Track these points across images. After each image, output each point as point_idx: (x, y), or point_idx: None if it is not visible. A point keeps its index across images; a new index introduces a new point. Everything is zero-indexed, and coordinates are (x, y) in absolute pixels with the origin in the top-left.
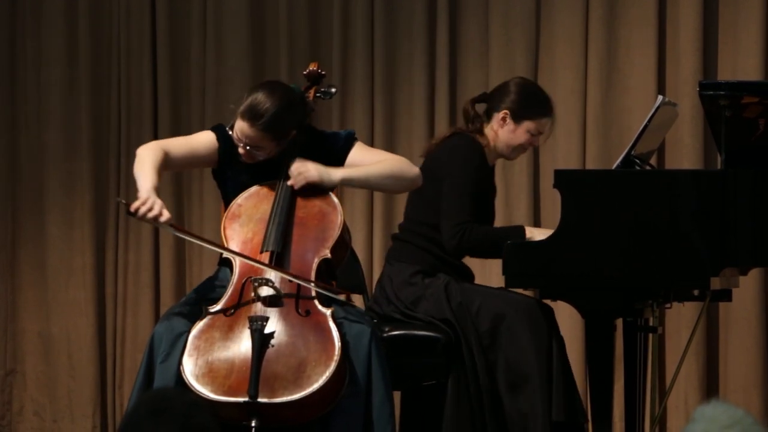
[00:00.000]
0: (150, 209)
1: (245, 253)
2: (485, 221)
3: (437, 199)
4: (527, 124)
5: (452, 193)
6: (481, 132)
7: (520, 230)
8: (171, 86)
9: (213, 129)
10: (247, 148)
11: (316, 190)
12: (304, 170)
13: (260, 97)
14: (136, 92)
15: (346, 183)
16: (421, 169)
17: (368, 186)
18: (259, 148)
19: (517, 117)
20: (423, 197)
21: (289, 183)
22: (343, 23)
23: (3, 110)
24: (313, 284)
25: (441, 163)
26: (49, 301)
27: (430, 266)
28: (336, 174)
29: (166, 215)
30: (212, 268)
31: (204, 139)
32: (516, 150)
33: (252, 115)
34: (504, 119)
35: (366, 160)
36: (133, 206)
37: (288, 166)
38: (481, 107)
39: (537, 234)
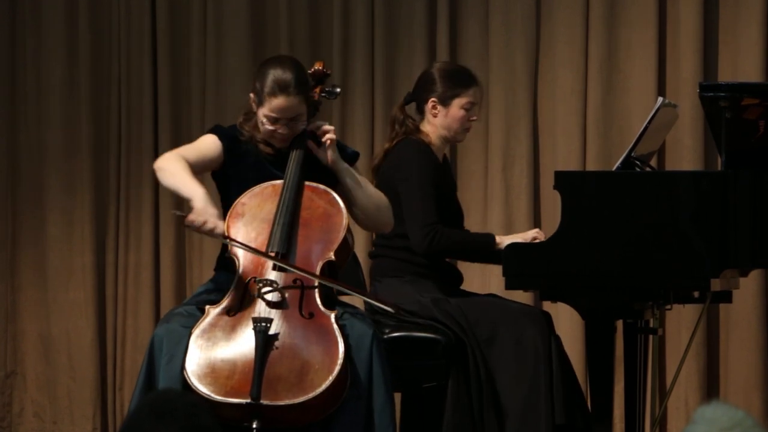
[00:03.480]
0: (205, 222)
1: (249, 254)
2: (453, 219)
3: (398, 213)
4: (457, 102)
5: (412, 196)
6: (418, 131)
7: (490, 238)
8: (171, 86)
9: (212, 131)
10: (287, 124)
11: (319, 189)
12: (332, 131)
13: (278, 71)
14: (136, 92)
15: (343, 175)
16: (377, 186)
17: (356, 194)
18: (298, 116)
19: (444, 99)
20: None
21: (325, 137)
22: (343, 23)
23: (3, 110)
24: (323, 281)
25: (394, 173)
26: (49, 302)
27: (417, 275)
28: (342, 162)
29: (220, 228)
30: (213, 269)
31: (209, 142)
32: (458, 131)
33: (282, 86)
34: (434, 107)
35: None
36: (188, 219)
37: (306, 133)
38: (410, 108)
39: (507, 241)
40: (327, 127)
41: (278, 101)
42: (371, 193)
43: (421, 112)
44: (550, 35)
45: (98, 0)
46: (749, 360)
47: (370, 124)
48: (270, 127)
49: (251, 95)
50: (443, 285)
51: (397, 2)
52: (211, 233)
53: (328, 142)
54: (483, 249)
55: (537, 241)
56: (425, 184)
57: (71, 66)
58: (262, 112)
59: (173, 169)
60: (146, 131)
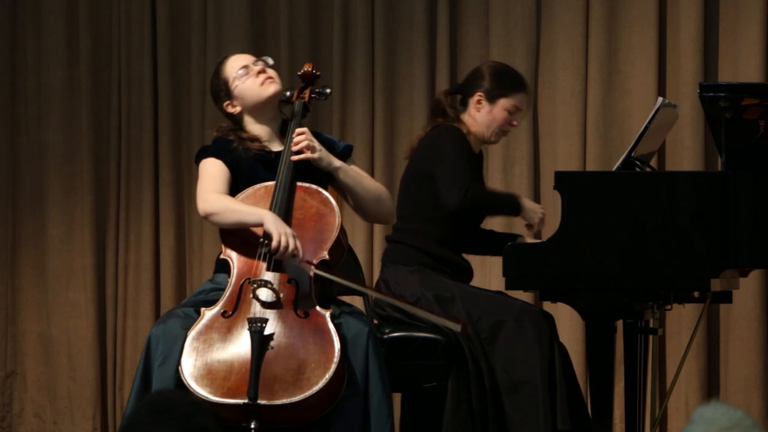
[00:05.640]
0: (287, 245)
1: (243, 255)
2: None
3: (425, 195)
4: (502, 102)
5: (447, 163)
6: (458, 120)
7: (516, 199)
8: (171, 87)
9: (206, 155)
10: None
11: (311, 189)
12: (311, 138)
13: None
14: (136, 93)
15: (339, 175)
16: (407, 168)
17: (354, 190)
18: (261, 59)
19: (492, 97)
20: (412, 195)
21: (293, 148)
22: (343, 24)
23: (3, 111)
24: (318, 271)
25: (427, 154)
26: (50, 303)
27: (426, 265)
28: (335, 161)
29: (301, 251)
30: (212, 270)
31: (216, 167)
32: (497, 132)
33: (227, 55)
34: (479, 102)
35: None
36: (273, 247)
37: (292, 134)
38: (455, 99)
39: (529, 205)
40: (297, 138)
41: (235, 56)
42: (370, 187)
43: (464, 104)
44: (550, 37)
45: (98, 2)
46: (749, 360)
47: (370, 124)
48: (257, 79)
49: (225, 105)
50: (452, 279)
51: (397, 2)
52: (294, 256)
53: (305, 153)
54: (509, 208)
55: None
56: (462, 155)
57: (71, 67)
58: (233, 82)
59: (227, 207)
60: (146, 132)
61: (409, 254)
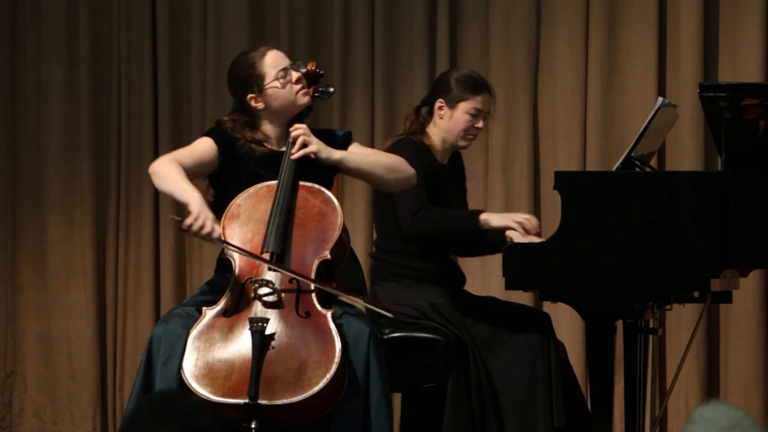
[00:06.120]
0: (202, 226)
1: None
2: None
3: (395, 214)
4: (463, 106)
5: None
6: (422, 132)
7: (475, 213)
8: (171, 87)
9: (208, 134)
10: (298, 77)
11: (314, 188)
12: (308, 135)
13: (255, 48)
14: (136, 93)
15: (344, 164)
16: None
17: (364, 172)
18: (291, 65)
19: (451, 102)
20: (386, 214)
21: (293, 153)
22: (343, 24)
23: (3, 111)
24: (320, 286)
25: None
26: (50, 303)
27: (414, 277)
28: (335, 153)
29: (217, 231)
30: (213, 270)
31: (205, 145)
32: (462, 136)
33: (267, 47)
34: (441, 109)
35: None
36: (186, 223)
37: (291, 134)
38: (425, 110)
39: (494, 219)
40: (295, 133)
41: (275, 52)
42: (379, 161)
43: (430, 113)
44: (550, 36)
45: (98, 2)
46: (749, 360)
47: (370, 124)
48: (295, 86)
49: (249, 96)
50: (444, 287)
51: (397, 2)
52: (208, 237)
53: (303, 152)
54: (467, 223)
55: (515, 228)
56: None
57: (71, 67)
58: (271, 82)
59: (168, 174)
60: (146, 133)
61: (395, 271)
